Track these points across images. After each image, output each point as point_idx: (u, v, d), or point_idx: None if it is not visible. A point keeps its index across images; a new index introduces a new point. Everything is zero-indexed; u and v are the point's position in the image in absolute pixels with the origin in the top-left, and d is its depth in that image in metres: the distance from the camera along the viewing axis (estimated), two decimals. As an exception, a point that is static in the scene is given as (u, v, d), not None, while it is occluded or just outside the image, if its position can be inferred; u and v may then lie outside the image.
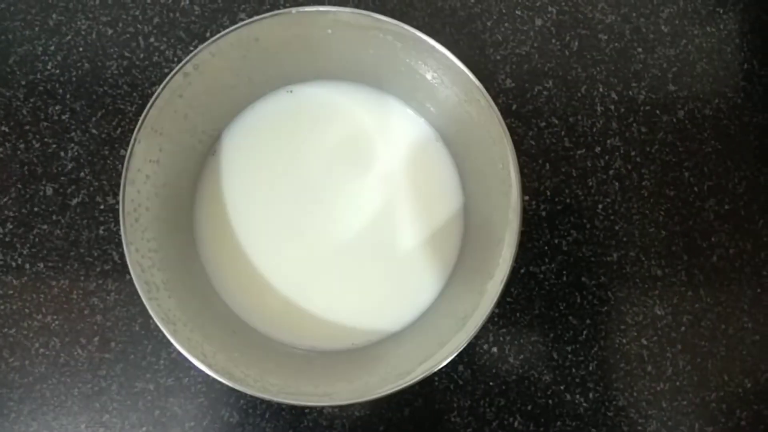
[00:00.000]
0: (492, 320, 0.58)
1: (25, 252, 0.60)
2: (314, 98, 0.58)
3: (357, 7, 0.54)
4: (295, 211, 0.57)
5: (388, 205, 0.57)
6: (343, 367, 0.54)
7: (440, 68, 0.50)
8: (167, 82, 0.48)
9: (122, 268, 0.60)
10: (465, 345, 0.46)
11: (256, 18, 0.49)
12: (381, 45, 0.52)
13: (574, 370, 0.59)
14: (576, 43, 0.63)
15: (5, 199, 0.61)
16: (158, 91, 0.48)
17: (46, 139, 0.61)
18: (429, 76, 0.52)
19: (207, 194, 0.57)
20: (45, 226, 0.60)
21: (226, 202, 0.57)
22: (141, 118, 0.47)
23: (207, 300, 0.55)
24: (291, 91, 0.59)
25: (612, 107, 0.62)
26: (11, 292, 0.60)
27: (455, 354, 0.46)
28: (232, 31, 0.49)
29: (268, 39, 0.51)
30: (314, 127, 0.58)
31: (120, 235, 0.57)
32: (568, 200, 0.61)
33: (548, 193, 0.61)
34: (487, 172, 0.52)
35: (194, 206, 0.57)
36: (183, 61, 0.48)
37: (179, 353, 0.58)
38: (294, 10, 0.49)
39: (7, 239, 0.60)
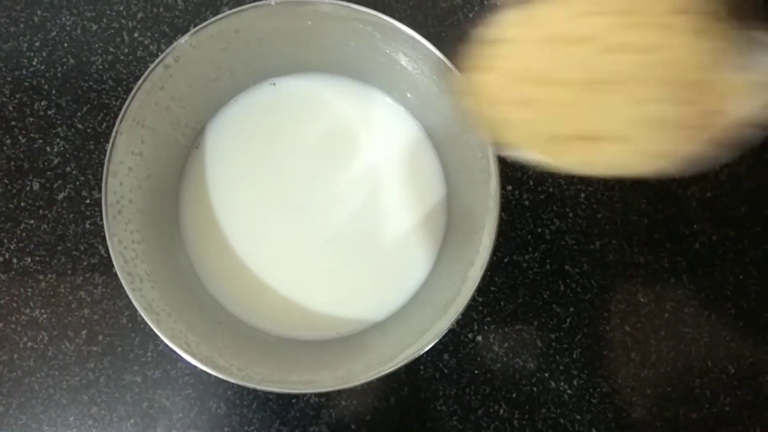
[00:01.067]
0: (476, 309, 0.59)
1: (12, 247, 0.61)
2: (297, 91, 0.59)
3: (338, -1, 0.55)
4: (279, 203, 0.58)
5: (371, 196, 0.57)
6: (327, 356, 0.55)
7: (420, 58, 0.51)
8: (148, 74, 0.49)
9: (109, 262, 0.59)
10: (446, 331, 0.47)
11: (236, 9, 0.49)
12: (361, 36, 0.52)
13: (558, 357, 0.59)
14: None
15: (-8, 195, 0.61)
16: (139, 83, 0.48)
17: (32, 135, 0.61)
18: (409, 67, 0.53)
19: (191, 186, 0.58)
20: (32, 221, 0.61)
21: (210, 194, 0.58)
22: (122, 110, 0.48)
23: (191, 291, 0.56)
24: (274, 84, 0.59)
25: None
26: (-1, 286, 0.60)
27: (436, 340, 0.47)
28: (213, 22, 0.49)
29: (248, 31, 0.52)
30: (298, 120, 0.58)
31: (106, 229, 0.58)
32: (550, 189, 0.61)
33: (531, 183, 0.61)
34: (468, 161, 0.52)
35: (179, 198, 0.57)
36: (163, 53, 0.49)
37: (166, 345, 0.58)
38: (273, 1, 0.49)
39: (-6, 234, 0.61)
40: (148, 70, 0.48)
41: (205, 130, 0.58)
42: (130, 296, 0.47)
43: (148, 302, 0.48)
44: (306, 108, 0.58)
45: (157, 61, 0.49)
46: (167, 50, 0.49)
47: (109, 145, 0.48)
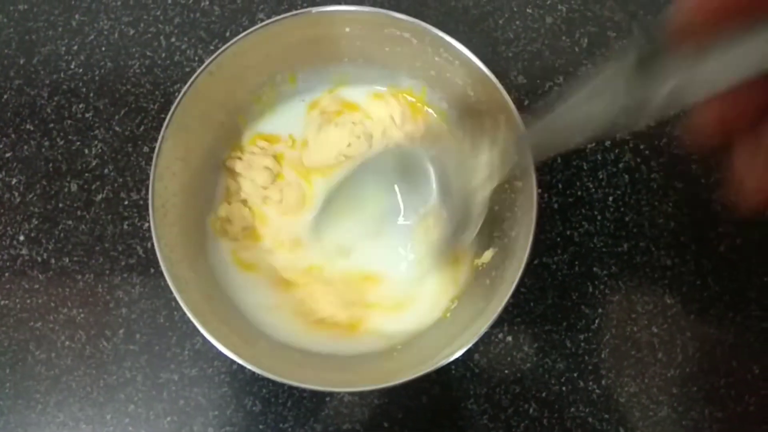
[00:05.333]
0: (506, 310, 0.59)
1: (50, 247, 0.62)
2: (331, 100, 0.60)
3: (372, 6, 0.56)
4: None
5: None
6: (365, 357, 0.55)
7: (456, 64, 0.52)
8: (192, 81, 0.50)
9: (147, 262, 0.61)
10: (484, 331, 0.48)
11: (277, 18, 0.50)
12: (397, 42, 0.53)
13: (587, 357, 0.60)
14: (585, 40, 0.65)
15: (31, 196, 0.62)
16: (184, 89, 0.50)
17: (70, 137, 0.63)
18: (446, 73, 0.54)
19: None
20: (70, 222, 0.62)
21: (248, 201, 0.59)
22: (168, 116, 0.49)
23: (230, 295, 0.56)
24: (303, 101, 0.60)
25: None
26: (37, 286, 0.61)
27: (475, 340, 0.48)
28: (255, 30, 0.50)
29: (288, 37, 0.53)
30: (334, 129, 0.59)
31: (144, 230, 0.59)
32: (579, 193, 0.62)
33: (560, 186, 0.62)
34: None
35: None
36: (207, 61, 0.50)
37: (203, 344, 0.59)
38: (314, 10, 0.51)
39: (32, 235, 0.62)
40: (193, 76, 0.50)
41: (242, 137, 0.59)
42: (178, 298, 0.48)
43: (193, 304, 0.49)
44: (341, 117, 0.59)
45: (201, 68, 0.50)
46: (211, 57, 0.50)
47: (156, 150, 0.49)
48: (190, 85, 0.50)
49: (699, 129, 0.31)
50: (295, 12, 0.51)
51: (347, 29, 0.53)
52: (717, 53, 0.29)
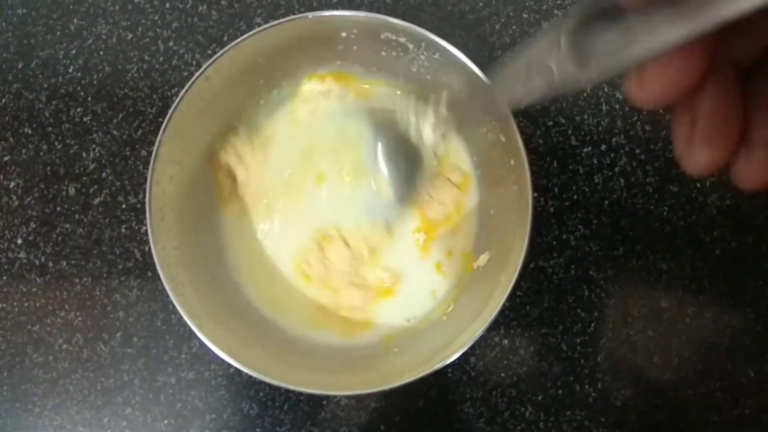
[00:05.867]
0: (503, 313, 0.60)
1: (48, 250, 0.62)
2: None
3: (369, 11, 0.56)
4: (313, 209, 0.59)
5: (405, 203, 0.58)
6: (362, 359, 0.56)
7: (452, 69, 0.52)
8: (189, 86, 0.50)
9: (144, 266, 0.61)
10: (480, 334, 0.48)
11: (274, 23, 0.51)
12: (393, 47, 0.54)
13: (583, 361, 0.60)
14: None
15: (29, 199, 0.62)
16: (181, 94, 0.50)
17: (68, 141, 0.63)
18: (442, 77, 0.54)
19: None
20: (68, 225, 0.62)
21: (246, 200, 0.59)
22: (165, 122, 0.49)
23: (227, 296, 0.57)
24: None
25: (617, 106, 0.63)
26: (35, 289, 0.61)
27: (471, 343, 0.48)
28: (253, 35, 0.51)
29: (285, 42, 0.53)
30: (331, 128, 0.59)
31: (142, 234, 0.59)
32: (575, 196, 0.62)
33: (556, 190, 0.62)
34: (499, 169, 0.53)
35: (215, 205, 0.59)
36: (204, 66, 0.50)
37: (200, 347, 0.60)
38: (311, 14, 0.51)
39: (30, 238, 0.62)
40: (190, 81, 0.50)
41: (238, 135, 0.59)
42: (174, 301, 0.48)
43: (190, 307, 0.49)
44: (338, 116, 0.60)
45: (198, 73, 0.50)
46: (208, 62, 0.50)
47: (153, 154, 0.49)
48: (187, 90, 0.50)
49: (638, 91, 0.32)
50: (292, 17, 0.51)
51: (344, 34, 0.54)
52: (656, 14, 0.29)
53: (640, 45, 0.29)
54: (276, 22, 0.51)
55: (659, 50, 0.29)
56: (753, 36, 0.31)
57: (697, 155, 0.32)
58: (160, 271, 0.48)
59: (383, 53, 0.55)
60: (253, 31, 0.51)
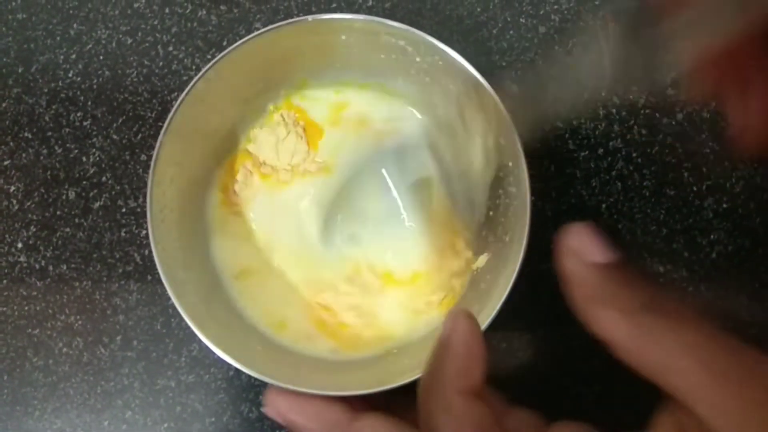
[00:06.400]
0: (501, 315, 0.60)
1: (48, 254, 0.62)
2: (328, 103, 0.60)
3: (368, 15, 0.57)
4: (311, 215, 0.59)
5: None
6: (361, 360, 0.56)
7: (451, 73, 0.52)
8: (190, 88, 0.51)
9: (144, 270, 0.61)
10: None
11: (275, 25, 0.51)
12: (393, 50, 0.54)
13: (580, 363, 0.61)
14: (578, 50, 0.65)
15: (29, 203, 0.63)
16: (182, 96, 0.50)
17: (68, 145, 0.63)
18: (440, 80, 0.55)
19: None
20: (68, 229, 0.62)
21: (243, 206, 0.59)
22: (166, 123, 0.50)
23: (228, 300, 0.57)
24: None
25: (614, 111, 0.64)
26: (35, 293, 0.62)
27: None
28: (253, 38, 0.51)
29: (285, 45, 0.54)
30: (329, 132, 0.60)
31: (141, 238, 0.59)
32: (572, 200, 0.63)
33: (553, 194, 0.63)
34: (497, 172, 0.54)
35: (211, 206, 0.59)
36: (205, 68, 0.51)
37: (200, 351, 0.60)
38: (310, 17, 0.52)
39: (30, 242, 0.62)
40: (191, 83, 0.50)
41: (238, 139, 0.59)
42: (175, 302, 0.48)
43: (190, 307, 0.49)
44: (337, 121, 0.60)
45: (199, 75, 0.51)
46: (209, 64, 0.51)
47: (154, 155, 0.49)
48: (188, 92, 0.50)
49: (695, 82, 0.34)
50: (293, 19, 0.52)
51: (343, 37, 0.54)
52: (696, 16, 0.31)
53: (688, 34, 0.31)
54: (278, 24, 0.52)
55: (709, 38, 0.30)
56: None
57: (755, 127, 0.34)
58: (160, 272, 0.49)
59: (383, 56, 0.56)
60: (255, 33, 0.52)
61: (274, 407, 0.47)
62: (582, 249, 0.44)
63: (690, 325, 0.40)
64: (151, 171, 0.49)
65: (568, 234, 0.44)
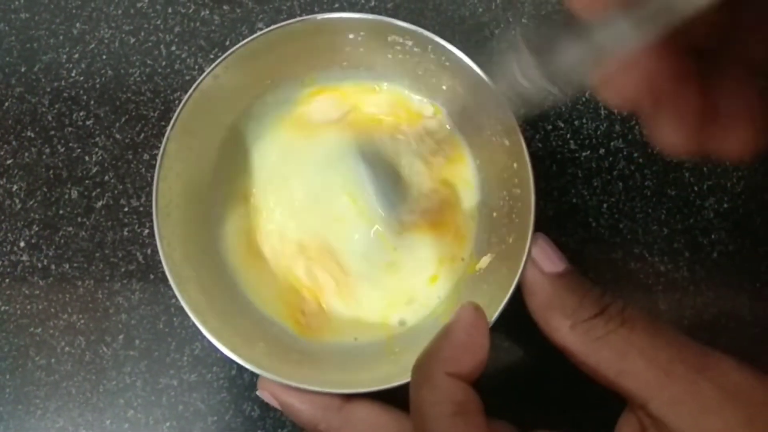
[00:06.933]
0: (504, 315, 0.60)
1: (50, 253, 0.62)
2: (332, 100, 0.60)
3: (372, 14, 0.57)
4: (314, 208, 0.59)
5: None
6: (363, 358, 0.56)
7: (458, 73, 0.53)
8: (198, 84, 0.51)
9: (146, 269, 0.61)
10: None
11: (283, 23, 0.52)
12: (399, 50, 0.55)
13: (582, 362, 0.61)
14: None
15: (31, 203, 0.63)
16: (189, 92, 0.50)
17: (70, 144, 0.63)
18: (446, 79, 0.55)
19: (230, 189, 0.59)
20: (70, 228, 0.62)
21: (248, 199, 0.59)
22: (173, 119, 0.50)
23: (231, 295, 0.57)
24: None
25: (615, 111, 0.64)
26: (37, 292, 0.62)
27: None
28: (260, 36, 0.52)
29: (293, 43, 0.54)
30: (334, 128, 0.60)
31: (144, 237, 0.59)
32: (574, 200, 0.63)
33: (555, 194, 0.63)
34: (501, 171, 0.54)
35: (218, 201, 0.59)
36: (213, 65, 0.51)
37: (202, 350, 0.60)
38: (319, 16, 0.52)
39: (33, 241, 0.62)
40: (198, 80, 0.51)
41: (243, 135, 0.60)
42: (180, 298, 0.48)
43: (194, 303, 0.49)
44: (341, 116, 0.60)
45: (206, 72, 0.51)
46: (218, 61, 0.51)
47: (160, 151, 0.50)
48: (196, 88, 0.51)
49: (610, 94, 0.35)
50: (301, 18, 0.52)
51: (350, 36, 0.55)
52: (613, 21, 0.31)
53: (600, 50, 0.32)
54: (287, 22, 0.52)
55: (621, 53, 0.31)
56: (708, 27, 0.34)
57: (668, 135, 0.35)
58: (165, 267, 0.49)
59: (389, 56, 0.56)
60: (264, 30, 0.52)
61: (269, 390, 0.49)
62: (536, 259, 0.47)
63: (637, 326, 0.41)
64: (157, 166, 0.49)
65: (533, 243, 0.47)
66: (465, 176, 0.59)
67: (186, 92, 0.51)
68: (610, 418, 0.60)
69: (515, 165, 0.52)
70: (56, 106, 0.64)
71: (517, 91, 0.39)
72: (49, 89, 0.64)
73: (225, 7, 0.65)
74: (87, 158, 0.63)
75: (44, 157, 0.63)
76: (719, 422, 0.38)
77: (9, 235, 0.62)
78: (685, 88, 0.34)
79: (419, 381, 0.44)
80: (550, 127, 0.64)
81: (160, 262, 0.49)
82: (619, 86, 0.34)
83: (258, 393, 0.49)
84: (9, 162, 0.63)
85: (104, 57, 0.65)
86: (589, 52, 0.33)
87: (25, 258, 0.62)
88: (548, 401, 0.61)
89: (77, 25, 0.65)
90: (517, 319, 0.60)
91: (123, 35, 0.65)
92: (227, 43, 0.65)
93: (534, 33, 0.34)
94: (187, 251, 0.53)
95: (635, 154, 0.64)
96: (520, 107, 0.41)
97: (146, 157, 0.63)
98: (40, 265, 0.62)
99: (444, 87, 0.56)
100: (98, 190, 0.62)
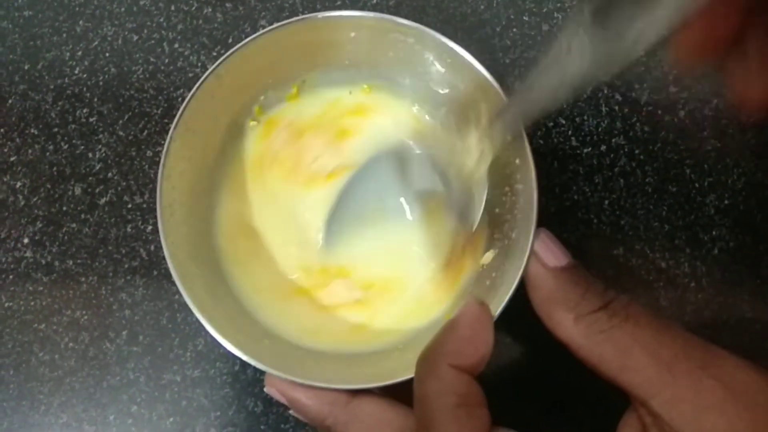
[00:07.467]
0: (506, 311, 0.60)
1: (54, 250, 0.62)
2: (332, 99, 0.61)
3: (374, 12, 0.57)
4: (315, 209, 0.59)
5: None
6: (367, 354, 0.56)
7: (460, 70, 0.53)
8: (201, 83, 0.51)
9: (150, 265, 0.62)
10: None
11: (285, 22, 0.52)
12: (401, 48, 0.55)
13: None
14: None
15: (35, 199, 0.63)
16: (192, 91, 0.51)
17: (74, 141, 0.63)
18: (447, 77, 0.55)
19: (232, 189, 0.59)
20: (74, 225, 0.62)
21: (250, 199, 0.59)
22: (176, 117, 0.50)
23: (233, 295, 0.57)
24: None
25: (616, 108, 0.64)
26: (41, 288, 0.62)
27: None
28: (263, 34, 0.52)
29: (295, 42, 0.54)
30: (334, 130, 0.60)
31: (147, 233, 0.60)
32: (575, 197, 0.63)
33: (557, 190, 0.63)
34: (503, 169, 0.54)
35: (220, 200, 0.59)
36: (216, 63, 0.51)
37: (205, 345, 0.60)
38: (320, 14, 0.52)
39: (36, 238, 0.62)
40: (201, 79, 0.51)
41: (245, 134, 0.60)
42: (183, 293, 0.48)
43: (199, 301, 0.49)
44: (341, 118, 0.60)
45: (209, 70, 0.51)
46: (220, 60, 0.51)
47: (164, 150, 0.50)
48: (199, 87, 0.51)
49: (685, 54, 0.34)
50: (303, 16, 0.52)
51: (353, 34, 0.55)
52: None
53: (664, 10, 0.31)
54: (287, 21, 0.52)
55: (685, 13, 0.31)
56: None
57: (758, 88, 0.35)
58: (170, 265, 0.49)
59: (391, 54, 0.56)
60: (268, 29, 0.52)
61: (276, 386, 0.49)
62: (539, 253, 0.47)
63: (641, 322, 0.41)
64: (161, 165, 0.50)
65: (536, 238, 0.47)
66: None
67: (189, 89, 0.51)
68: (611, 415, 0.60)
69: (517, 161, 0.52)
70: (59, 103, 0.64)
71: (585, 60, 0.38)
72: (52, 86, 0.64)
73: (228, 5, 0.66)
74: (90, 155, 0.63)
75: (48, 154, 0.63)
76: (722, 422, 0.38)
77: (13, 231, 0.63)
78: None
79: (423, 373, 0.44)
80: (551, 123, 0.64)
81: (163, 258, 0.49)
82: (694, 41, 0.34)
83: (266, 389, 0.49)
84: (13, 159, 0.64)
85: (107, 54, 0.65)
86: (651, 11, 0.32)
87: (28, 254, 0.62)
88: (550, 397, 0.61)
89: (80, 22, 0.65)
90: (519, 315, 0.60)
91: (126, 33, 0.65)
92: (230, 40, 0.65)
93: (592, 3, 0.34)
94: (192, 250, 0.53)
95: (636, 151, 0.64)
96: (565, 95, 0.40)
97: (149, 154, 0.63)
98: (43, 261, 0.62)
99: (446, 84, 0.56)
100: (101, 186, 0.63)
